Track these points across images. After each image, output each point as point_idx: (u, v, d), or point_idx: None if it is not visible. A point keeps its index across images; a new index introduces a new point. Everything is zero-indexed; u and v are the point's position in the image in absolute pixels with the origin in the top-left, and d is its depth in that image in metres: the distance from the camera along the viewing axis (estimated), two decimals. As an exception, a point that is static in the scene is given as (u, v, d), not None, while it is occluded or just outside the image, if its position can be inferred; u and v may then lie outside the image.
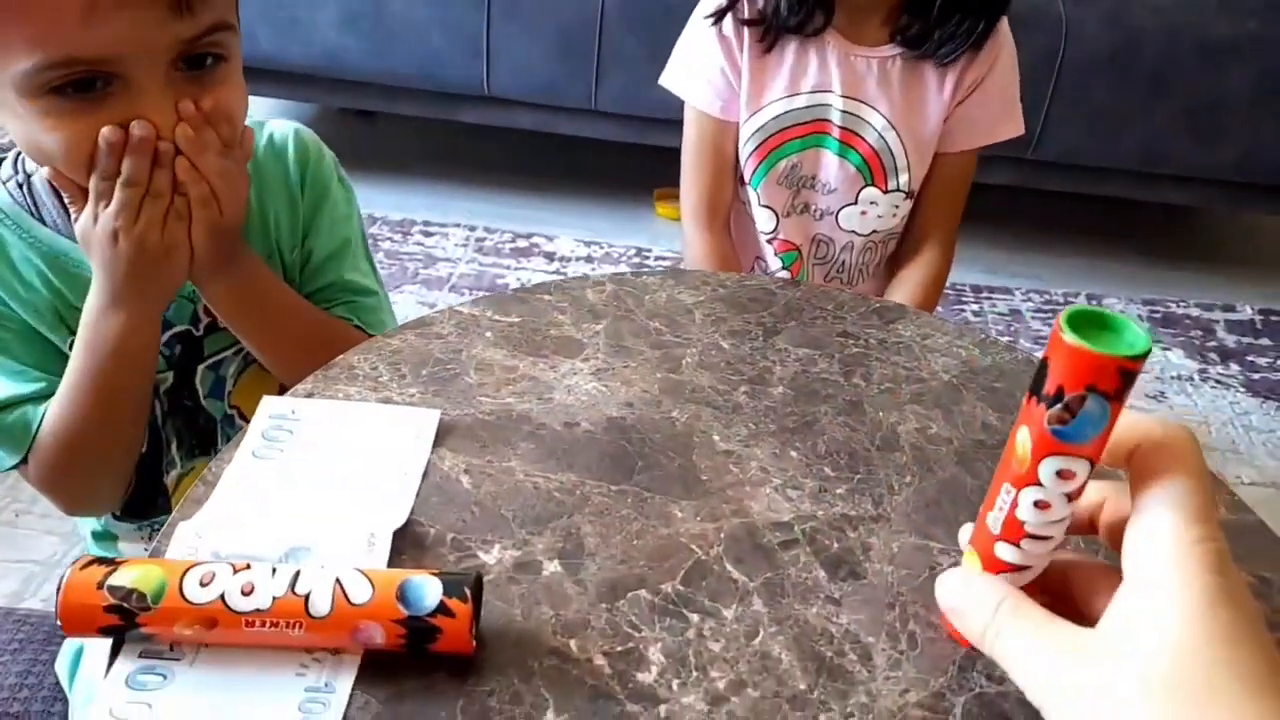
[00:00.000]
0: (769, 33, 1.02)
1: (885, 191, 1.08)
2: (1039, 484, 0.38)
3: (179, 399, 0.78)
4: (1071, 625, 0.35)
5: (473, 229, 2.18)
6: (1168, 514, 0.33)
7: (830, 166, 1.07)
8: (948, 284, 1.19)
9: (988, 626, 0.37)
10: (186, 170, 0.61)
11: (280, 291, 0.75)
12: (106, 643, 0.43)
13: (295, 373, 0.62)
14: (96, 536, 0.84)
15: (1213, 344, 2.07)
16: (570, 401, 0.60)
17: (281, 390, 0.69)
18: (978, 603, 0.38)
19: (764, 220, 1.12)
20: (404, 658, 0.42)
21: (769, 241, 1.14)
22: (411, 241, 2.12)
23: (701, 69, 1.06)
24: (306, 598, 0.41)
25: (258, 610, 0.41)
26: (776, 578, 0.49)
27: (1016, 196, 2.26)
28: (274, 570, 0.42)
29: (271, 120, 0.82)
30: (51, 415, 0.69)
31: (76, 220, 0.63)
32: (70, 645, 0.76)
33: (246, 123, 0.68)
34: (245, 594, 0.41)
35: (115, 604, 0.41)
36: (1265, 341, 2.10)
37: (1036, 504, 0.39)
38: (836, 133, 1.05)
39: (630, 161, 2.36)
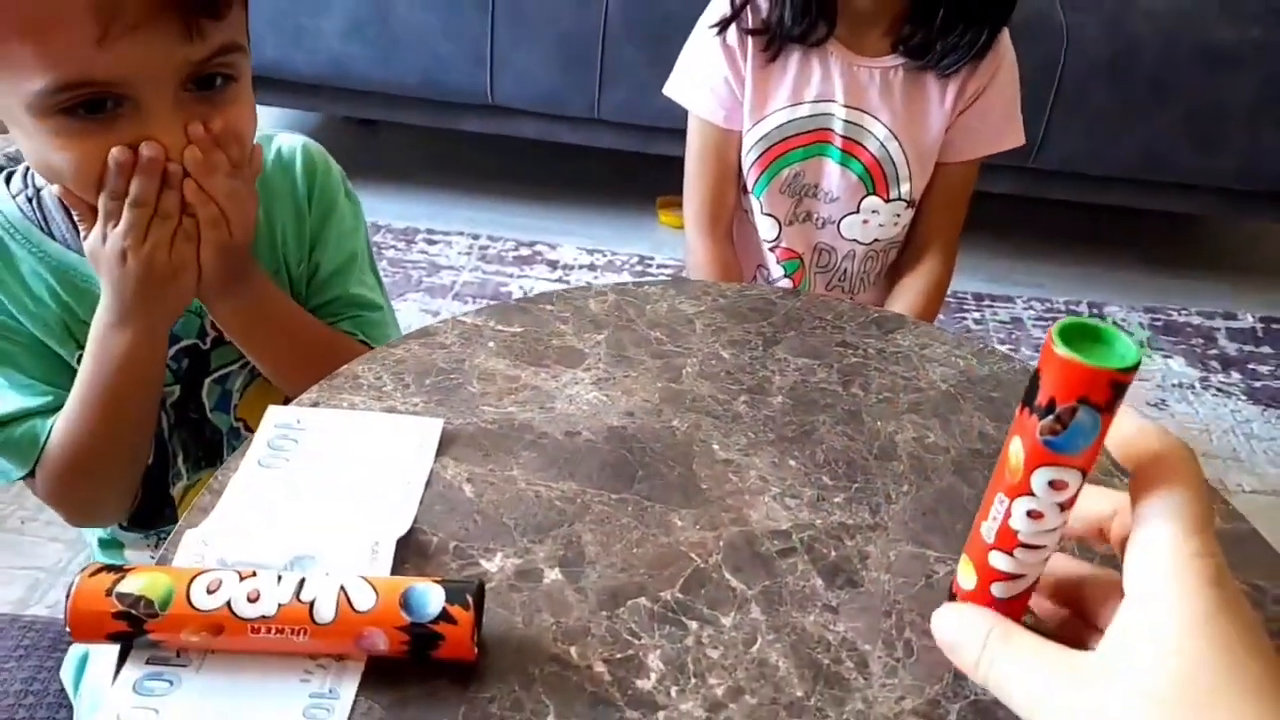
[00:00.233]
0: (773, 42, 1.03)
1: (887, 200, 1.09)
2: (1032, 494, 0.39)
3: (185, 412, 0.79)
4: (1063, 648, 0.35)
5: (476, 237, 2.19)
6: (1165, 526, 0.33)
7: (832, 175, 1.08)
8: (949, 292, 1.20)
9: (980, 657, 0.37)
10: (195, 193, 0.62)
11: (287, 309, 0.75)
12: (113, 649, 0.43)
13: (300, 387, 0.62)
14: (103, 544, 0.84)
15: (1214, 352, 2.08)
16: (572, 411, 0.61)
17: (286, 402, 0.70)
18: (969, 634, 0.38)
19: (766, 229, 1.13)
20: (407, 664, 0.43)
21: (771, 250, 1.14)
22: (415, 250, 2.13)
23: (705, 78, 1.07)
24: (311, 605, 0.42)
25: (263, 617, 0.41)
26: (774, 586, 0.50)
27: (1019, 205, 2.27)
28: (279, 578, 0.43)
29: (279, 134, 0.82)
30: (59, 429, 0.69)
31: (86, 238, 0.63)
32: (75, 652, 0.76)
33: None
34: (251, 601, 0.42)
35: (124, 610, 0.41)
36: (1266, 349, 2.10)
37: (1029, 514, 0.39)
38: (839, 142, 1.06)
39: (633, 170, 2.37)
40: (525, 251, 2.16)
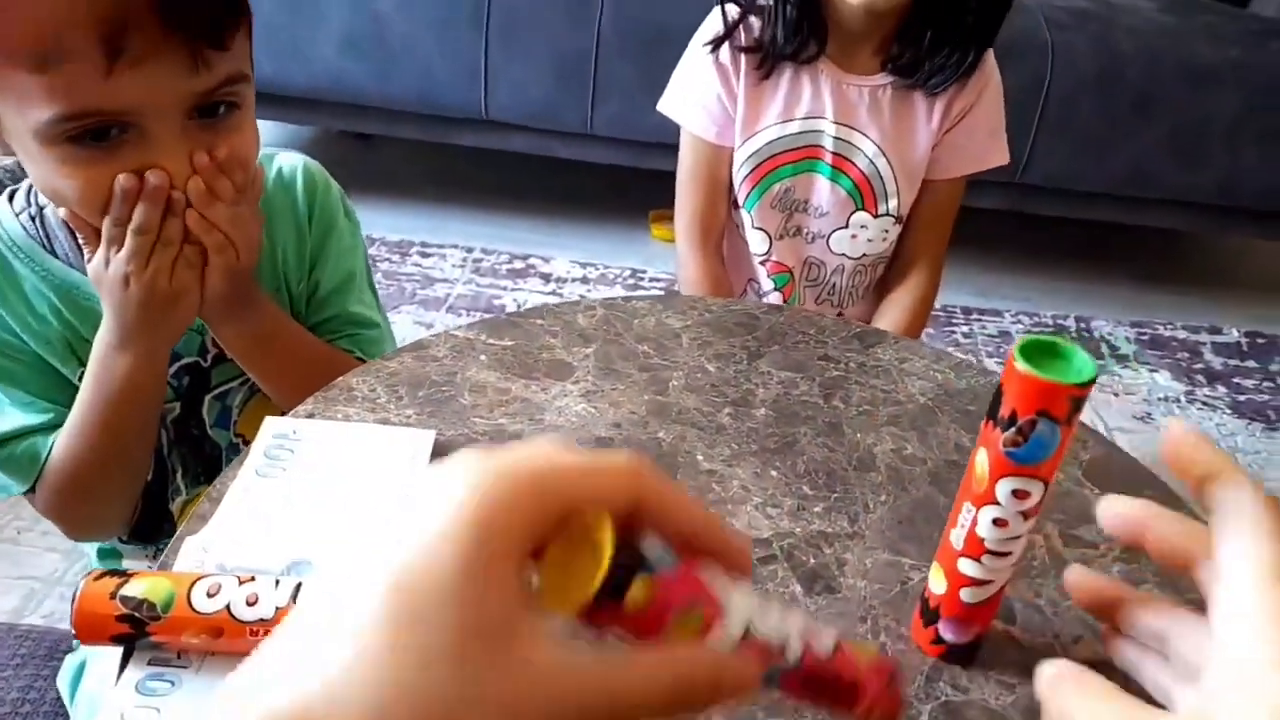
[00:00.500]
0: (765, 60, 1.05)
1: (875, 216, 1.11)
2: (996, 503, 0.41)
3: (186, 428, 0.80)
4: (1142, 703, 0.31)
5: (470, 250, 2.21)
6: (1250, 582, 0.30)
7: (822, 191, 1.10)
8: (938, 306, 1.22)
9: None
10: (197, 222, 0.63)
11: (288, 329, 0.76)
12: (113, 655, 0.45)
13: (299, 404, 0.64)
14: (101, 554, 0.85)
15: (1199, 366, 2.10)
16: (560, 422, 0.62)
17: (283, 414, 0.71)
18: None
19: (757, 243, 1.15)
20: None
21: (762, 263, 1.16)
22: (409, 262, 2.14)
23: (698, 95, 1.09)
24: (307, 609, 0.43)
25: (262, 620, 0.43)
26: (755, 592, 0.51)
27: (1007, 220, 2.30)
28: (277, 582, 0.44)
29: (279, 152, 0.83)
30: (59, 446, 0.70)
31: (89, 260, 0.64)
32: (71, 661, 0.77)
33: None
34: (250, 604, 0.43)
35: (127, 613, 0.43)
36: (1251, 364, 2.13)
37: (995, 521, 0.41)
38: (829, 158, 1.08)
39: (625, 184, 2.39)
40: (519, 265, 2.18)
